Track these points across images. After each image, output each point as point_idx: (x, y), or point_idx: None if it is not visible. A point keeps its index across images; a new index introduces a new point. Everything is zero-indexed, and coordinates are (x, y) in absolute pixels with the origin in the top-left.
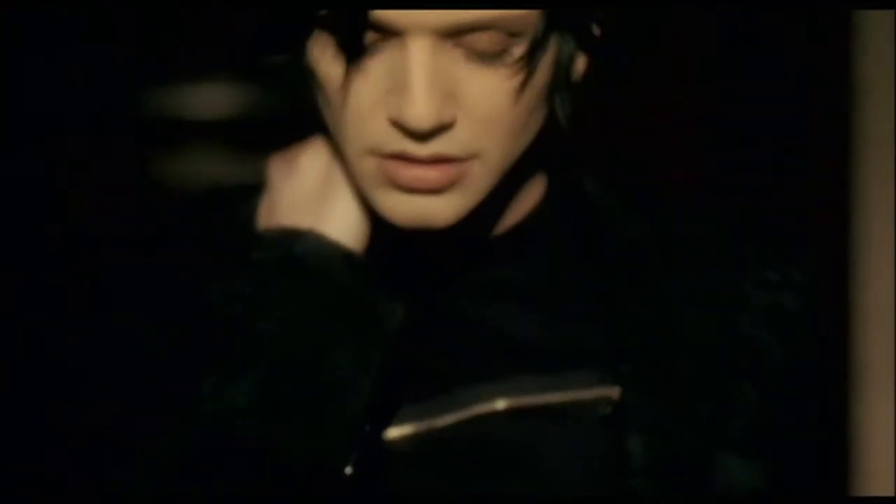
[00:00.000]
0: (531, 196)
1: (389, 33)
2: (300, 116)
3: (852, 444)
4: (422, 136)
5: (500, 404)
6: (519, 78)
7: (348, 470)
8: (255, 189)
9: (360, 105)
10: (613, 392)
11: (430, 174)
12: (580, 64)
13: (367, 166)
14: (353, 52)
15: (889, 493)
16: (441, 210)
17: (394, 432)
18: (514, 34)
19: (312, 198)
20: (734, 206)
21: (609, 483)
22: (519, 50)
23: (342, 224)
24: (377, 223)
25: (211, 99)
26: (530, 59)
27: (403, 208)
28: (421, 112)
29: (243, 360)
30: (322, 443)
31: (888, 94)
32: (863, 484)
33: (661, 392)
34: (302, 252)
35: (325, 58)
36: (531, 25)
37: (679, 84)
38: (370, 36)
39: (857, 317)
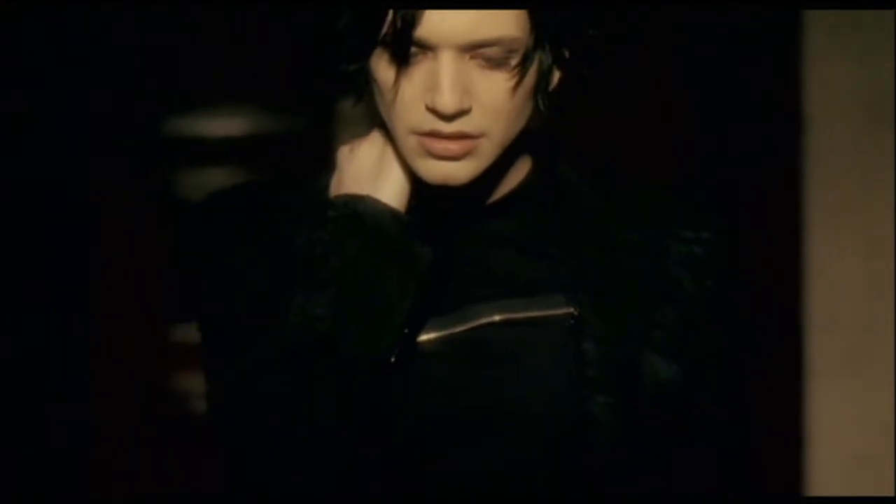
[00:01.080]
0: (520, 172)
1: (426, 48)
2: (299, 137)
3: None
4: (448, 119)
5: (497, 317)
6: (515, 80)
7: (392, 359)
8: (328, 170)
9: (405, 98)
10: (575, 310)
11: (453, 146)
12: (555, 77)
13: (411, 142)
14: (402, 62)
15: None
16: (459, 172)
17: (423, 336)
18: (511, 50)
19: (369, 174)
20: (665, 185)
21: (570, 372)
22: (515, 60)
23: (390, 192)
24: (415, 191)
25: (224, 121)
26: (522, 67)
27: (435, 171)
28: (448, 102)
29: (321, 284)
30: (375, 340)
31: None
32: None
33: (607, 311)
34: (362, 211)
35: (381, 66)
36: (523, 44)
37: (646, 89)
38: (413, 50)
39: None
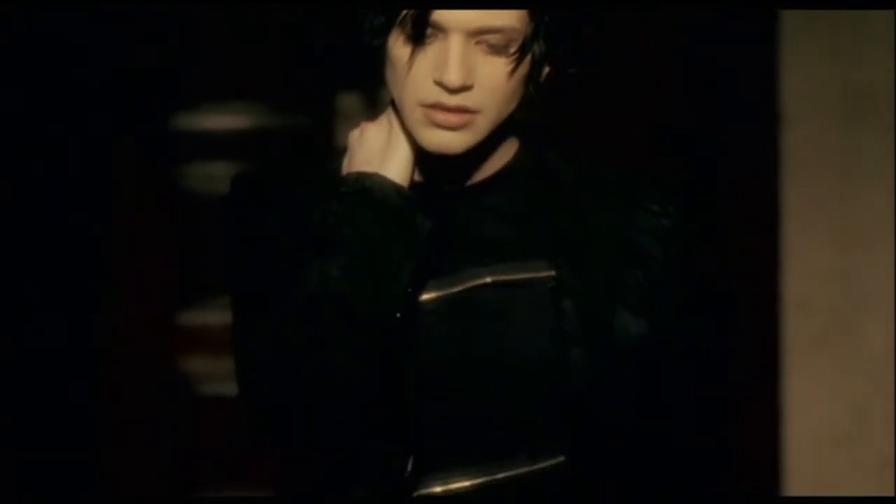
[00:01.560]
0: (507, 154)
1: (439, 30)
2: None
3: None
4: (452, 92)
5: (488, 279)
6: (512, 65)
7: (398, 315)
8: (340, 152)
9: (417, 73)
10: (555, 274)
11: (453, 118)
12: (545, 70)
13: (417, 113)
14: (417, 41)
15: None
16: (456, 141)
17: (424, 295)
18: (511, 39)
19: (376, 155)
20: (637, 167)
21: (551, 326)
22: (513, 48)
23: (395, 170)
24: (418, 170)
25: (229, 116)
26: (519, 55)
27: (434, 139)
28: (454, 77)
29: (336, 250)
30: (383, 297)
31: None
32: None
33: (583, 274)
34: (370, 186)
35: (397, 45)
36: (522, 34)
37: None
38: (428, 32)
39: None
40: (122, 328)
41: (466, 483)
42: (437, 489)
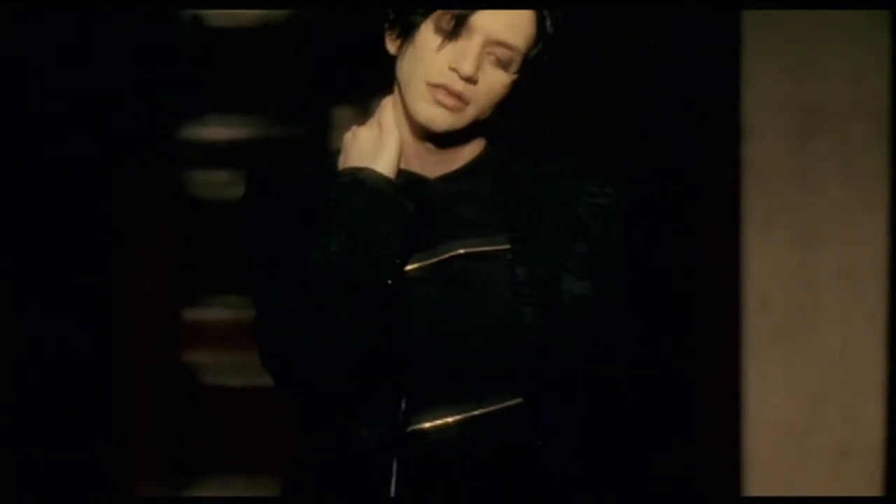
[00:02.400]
0: (477, 149)
1: (468, 30)
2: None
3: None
4: (462, 78)
5: (461, 251)
6: (509, 79)
7: (389, 282)
8: (335, 151)
9: (437, 58)
10: (511, 246)
11: (450, 100)
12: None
13: (421, 88)
14: (450, 34)
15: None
16: (446, 120)
17: (409, 265)
18: (513, 59)
19: (368, 153)
20: (582, 154)
21: (508, 289)
22: (514, 66)
23: (384, 165)
24: (402, 164)
25: (229, 128)
26: (516, 72)
27: (430, 113)
28: (469, 68)
29: (335, 229)
30: (375, 268)
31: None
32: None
33: (534, 246)
34: (363, 178)
35: (429, 30)
36: (522, 56)
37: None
38: (459, 29)
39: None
40: (131, 323)
41: (450, 419)
42: (427, 424)
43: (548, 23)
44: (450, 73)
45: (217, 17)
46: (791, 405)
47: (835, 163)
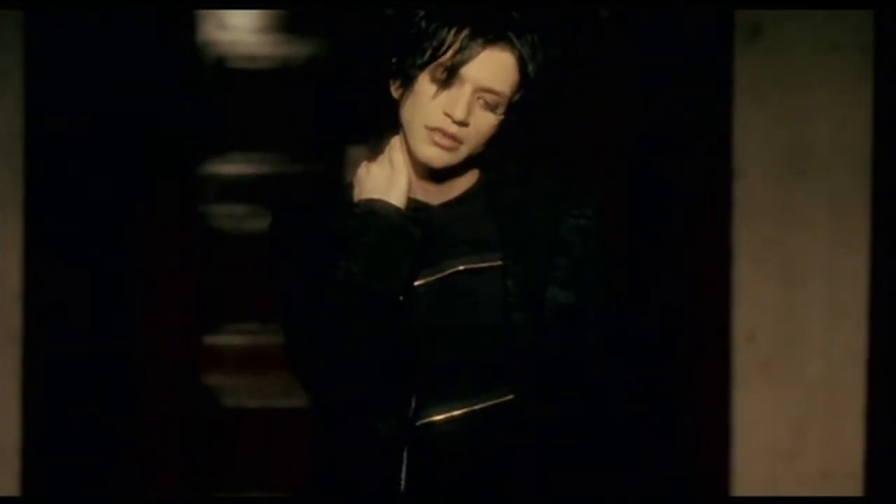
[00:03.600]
0: (472, 179)
1: (459, 80)
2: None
3: None
4: (455, 123)
5: (461, 267)
6: (496, 120)
7: (401, 297)
8: (350, 185)
9: (433, 104)
10: (502, 262)
11: (446, 141)
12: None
13: (421, 132)
14: (444, 83)
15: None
16: (443, 158)
17: (417, 281)
18: (500, 102)
19: (381, 187)
20: (564, 180)
21: (500, 299)
22: (501, 110)
23: (396, 198)
24: (411, 196)
25: (247, 164)
26: (503, 113)
27: (428, 153)
28: (460, 113)
29: (355, 252)
30: (390, 285)
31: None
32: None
33: (522, 261)
34: (377, 209)
35: (425, 81)
36: (508, 100)
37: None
38: (451, 79)
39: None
40: (155, 348)
41: (456, 412)
42: (437, 417)
43: (530, 67)
44: (444, 118)
45: (240, 60)
46: (776, 430)
47: (820, 202)
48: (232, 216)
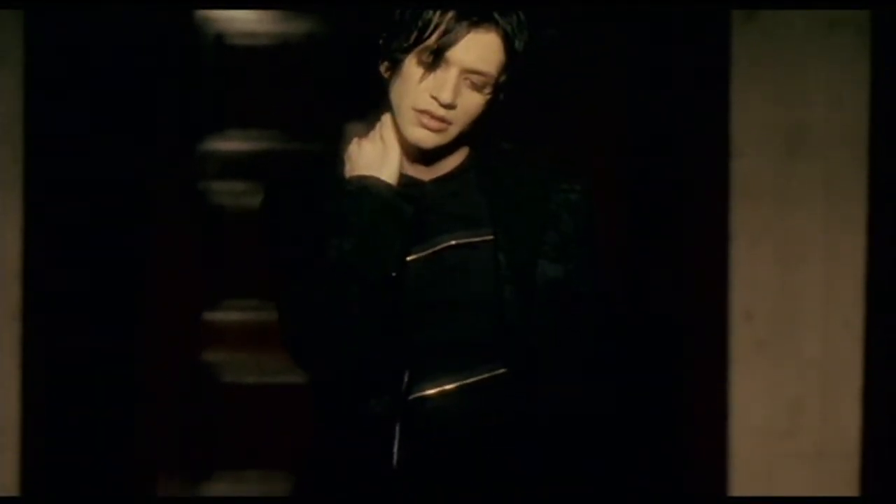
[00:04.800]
0: (462, 156)
1: (445, 62)
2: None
3: None
4: (442, 105)
5: (452, 242)
6: (483, 100)
7: (393, 273)
8: (340, 161)
9: (420, 87)
10: (493, 236)
11: (434, 123)
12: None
13: (409, 114)
14: (428, 67)
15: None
16: (432, 139)
17: (409, 256)
18: (487, 82)
19: (372, 163)
20: (552, 157)
21: (492, 273)
22: (488, 90)
23: (388, 175)
24: (402, 172)
25: (247, 141)
26: (490, 95)
27: (417, 135)
28: (447, 96)
29: (347, 231)
30: (383, 262)
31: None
32: None
33: (513, 236)
34: (369, 186)
35: (412, 64)
36: (495, 80)
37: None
38: (437, 62)
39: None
40: (156, 324)
41: (448, 386)
42: (429, 392)
43: (516, 45)
44: (431, 101)
45: (238, 37)
46: (773, 409)
47: (817, 181)
48: (231, 192)
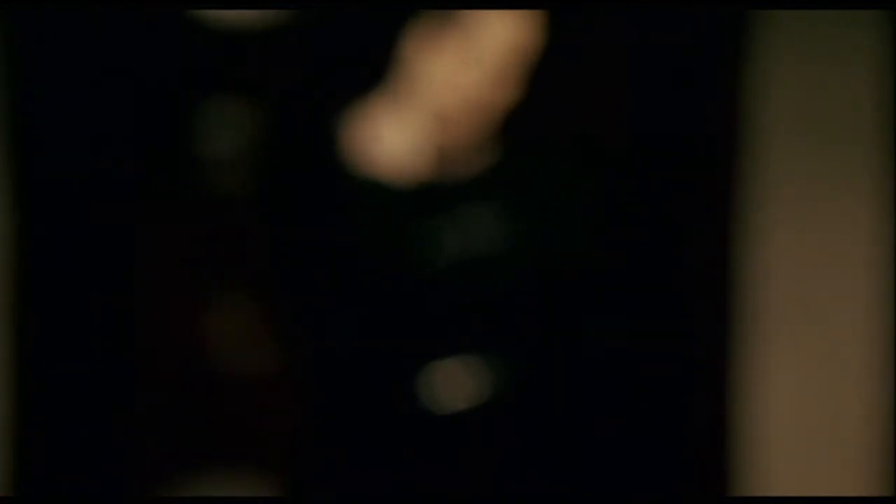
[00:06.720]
0: (478, 147)
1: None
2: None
3: None
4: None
5: (464, 224)
6: (502, 98)
7: (404, 258)
8: (351, 149)
9: (440, 87)
10: (506, 216)
11: (451, 122)
12: None
13: (429, 113)
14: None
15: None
16: (447, 138)
17: (420, 245)
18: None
19: (390, 151)
20: (561, 143)
21: (504, 251)
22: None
23: (397, 161)
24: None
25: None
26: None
27: (434, 132)
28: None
29: (355, 216)
30: (394, 247)
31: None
32: None
33: (524, 216)
34: (386, 173)
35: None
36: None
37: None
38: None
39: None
40: (150, 311)
41: (456, 359)
42: (440, 365)
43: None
44: (450, 101)
45: (231, 26)
46: (787, 400)
47: (835, 168)
48: (227, 186)
